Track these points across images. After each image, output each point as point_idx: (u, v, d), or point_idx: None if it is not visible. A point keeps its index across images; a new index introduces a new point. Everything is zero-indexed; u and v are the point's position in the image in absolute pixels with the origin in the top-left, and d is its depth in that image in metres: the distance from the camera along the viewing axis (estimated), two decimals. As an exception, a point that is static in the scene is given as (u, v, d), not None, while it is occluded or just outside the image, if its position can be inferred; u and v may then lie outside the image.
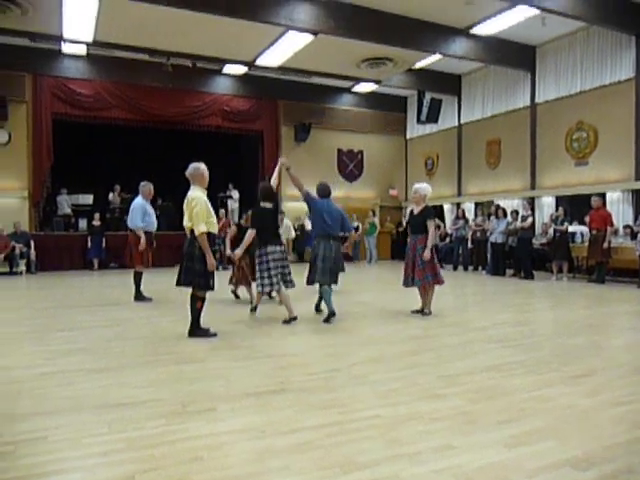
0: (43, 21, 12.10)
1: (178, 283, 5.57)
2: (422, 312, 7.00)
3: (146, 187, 8.48)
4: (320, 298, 7.10)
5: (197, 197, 5.43)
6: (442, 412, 3.33)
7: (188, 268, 5.47)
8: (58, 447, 2.82)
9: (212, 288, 5.59)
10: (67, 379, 4.05)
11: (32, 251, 13.50)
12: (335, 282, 6.77)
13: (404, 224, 18.25)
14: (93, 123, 15.56)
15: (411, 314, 7.05)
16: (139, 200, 8.41)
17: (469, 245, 14.47)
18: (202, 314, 5.65)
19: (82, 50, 14.35)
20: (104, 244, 14.30)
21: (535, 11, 11.59)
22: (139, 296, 8.34)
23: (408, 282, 7.03)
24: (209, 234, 5.45)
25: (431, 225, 6.88)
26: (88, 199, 15.83)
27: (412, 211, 7.27)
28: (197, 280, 5.48)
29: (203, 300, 5.62)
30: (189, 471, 2.55)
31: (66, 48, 14.16)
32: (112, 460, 2.67)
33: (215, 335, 5.59)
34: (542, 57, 14.59)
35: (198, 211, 5.35)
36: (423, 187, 7.13)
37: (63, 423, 3.13)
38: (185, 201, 5.55)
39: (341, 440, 2.90)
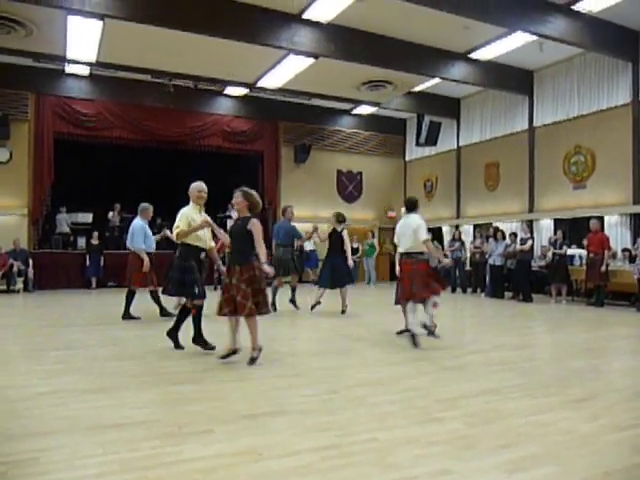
0: (47, 41, 12.25)
1: (175, 294, 6.21)
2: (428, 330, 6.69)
3: (147, 210, 8.55)
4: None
5: (182, 212, 5.78)
6: (439, 436, 3.29)
7: (174, 279, 5.82)
8: (51, 468, 2.78)
9: (203, 297, 5.81)
10: (62, 399, 4.01)
11: (30, 269, 13.48)
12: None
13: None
14: (94, 142, 15.65)
15: (401, 336, 6.92)
16: (139, 222, 8.44)
17: (467, 267, 14.47)
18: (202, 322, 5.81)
19: (85, 70, 14.51)
20: (102, 263, 14.28)
21: (533, 37, 11.76)
22: (127, 315, 8.32)
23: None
24: (190, 247, 5.75)
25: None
26: (87, 218, 15.85)
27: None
28: (187, 290, 5.79)
29: (199, 308, 5.81)
30: (184, 494, 2.51)
31: (69, 68, 14.32)
32: (106, 482, 2.63)
33: (213, 348, 5.72)
34: (540, 82, 14.76)
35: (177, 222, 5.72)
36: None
37: (57, 444, 3.09)
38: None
39: (338, 464, 2.86)
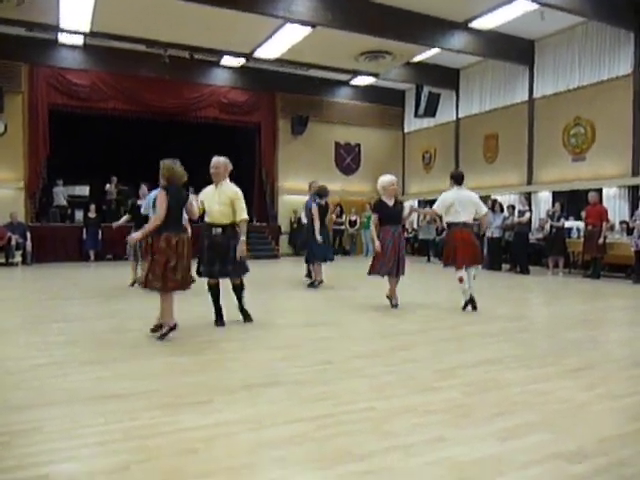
0: (40, 11, 12.00)
1: (227, 275, 5.77)
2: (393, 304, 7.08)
3: None
4: None
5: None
6: (436, 405, 3.34)
7: (228, 259, 5.64)
8: (53, 437, 2.82)
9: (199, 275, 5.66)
10: (62, 370, 4.04)
11: (28, 242, 13.44)
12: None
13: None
14: (89, 114, 15.48)
15: (398, 309, 7.00)
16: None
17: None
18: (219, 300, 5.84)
19: (79, 40, 14.27)
20: (100, 236, 14.24)
21: (534, 5, 11.56)
22: None
23: (393, 272, 7.01)
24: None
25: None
26: (84, 190, 15.78)
27: (386, 204, 7.06)
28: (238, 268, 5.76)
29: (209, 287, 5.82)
30: (184, 462, 2.55)
31: (63, 38, 14.08)
32: (107, 450, 2.67)
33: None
34: (541, 52, 14.57)
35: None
36: (384, 180, 7.13)
37: (58, 414, 3.13)
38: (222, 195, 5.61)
39: (335, 432, 2.90)
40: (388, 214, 6.98)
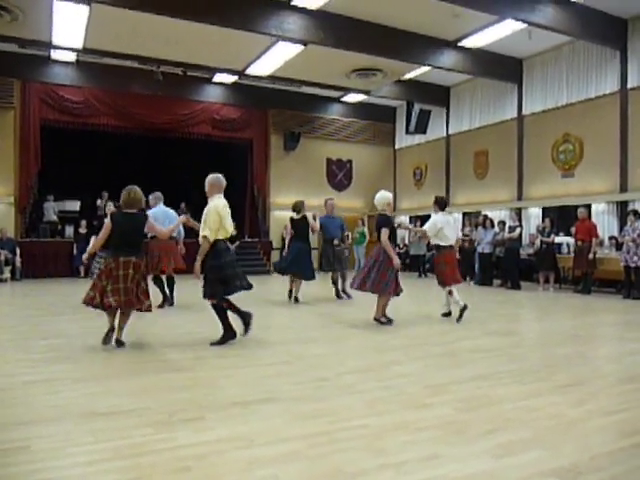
0: (33, 27, 12.03)
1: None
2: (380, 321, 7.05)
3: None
4: None
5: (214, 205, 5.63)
6: (429, 421, 3.33)
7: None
8: (42, 457, 2.78)
9: (227, 293, 5.63)
10: (51, 387, 4.00)
11: (17, 258, 13.35)
12: None
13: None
14: (81, 130, 15.48)
15: (390, 325, 6.99)
16: (163, 207, 8.37)
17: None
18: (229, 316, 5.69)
19: (72, 57, 14.30)
20: (91, 251, 14.15)
21: (522, 25, 11.75)
22: (171, 299, 8.44)
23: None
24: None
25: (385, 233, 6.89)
26: (75, 205, 15.69)
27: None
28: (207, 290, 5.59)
29: (226, 302, 5.67)
30: (175, 481, 2.52)
31: (55, 55, 14.11)
32: (98, 469, 2.63)
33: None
34: (529, 70, 14.78)
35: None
36: (378, 196, 7.21)
37: (47, 432, 3.09)
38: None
39: (329, 450, 2.89)
40: (393, 230, 7.10)
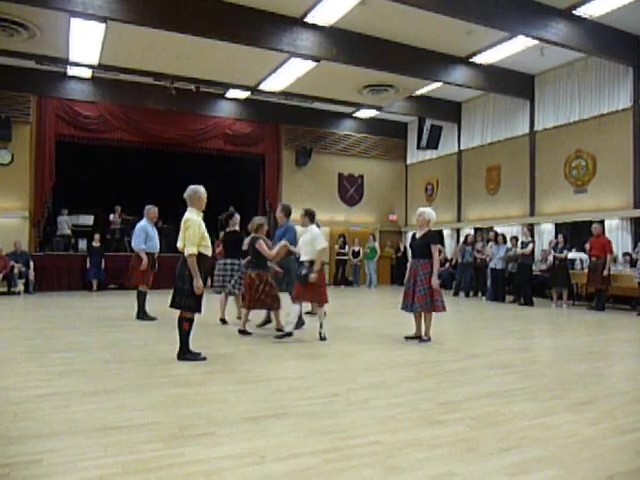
0: (50, 44, 12.28)
1: (171, 305, 5.56)
2: (419, 338, 6.93)
3: (151, 211, 8.81)
4: None
5: (191, 219, 5.46)
6: (442, 439, 3.29)
7: (179, 289, 5.47)
8: (53, 470, 2.78)
9: (199, 310, 5.54)
10: (63, 401, 4.00)
11: (31, 271, 13.47)
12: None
13: (402, 249, 18.30)
14: (96, 144, 15.66)
15: (405, 340, 6.98)
16: (143, 223, 8.69)
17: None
18: (190, 337, 5.57)
19: (87, 73, 14.54)
20: (103, 265, 14.26)
21: (534, 42, 11.78)
22: (143, 315, 8.52)
23: (407, 307, 6.98)
24: (201, 256, 5.44)
25: (435, 250, 6.86)
26: (88, 220, 15.84)
27: (414, 235, 7.32)
28: (185, 301, 5.45)
29: (191, 322, 5.56)
30: (186, 496, 2.51)
31: (72, 71, 14.34)
32: (108, 484, 2.63)
33: (204, 359, 5.51)
34: (541, 86, 14.78)
35: (191, 234, 5.38)
36: (427, 211, 7.21)
37: (59, 446, 3.09)
38: (181, 223, 5.57)
39: (341, 467, 2.86)
40: (411, 246, 7.28)
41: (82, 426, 3.44)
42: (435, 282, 6.72)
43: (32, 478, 2.68)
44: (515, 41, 11.95)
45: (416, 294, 6.81)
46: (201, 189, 5.66)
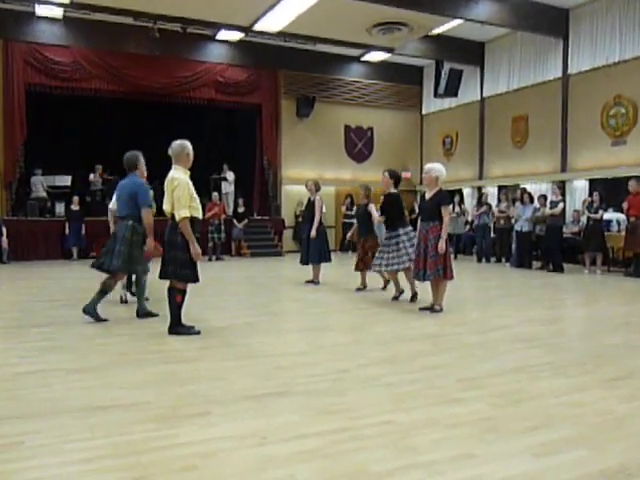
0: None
1: (162, 275, 5.56)
2: (432, 309, 6.98)
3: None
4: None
5: (179, 179, 5.43)
6: (461, 418, 3.34)
7: (171, 258, 5.47)
8: (37, 453, 2.85)
9: (197, 280, 5.59)
10: (45, 379, 4.08)
11: (4, 238, 13.50)
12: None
13: (417, 210, 18.26)
14: (71, 95, 15.50)
15: (419, 311, 7.03)
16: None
17: (491, 234, 14.45)
18: (183, 309, 5.63)
19: (58, 13, 14.29)
20: (84, 231, 14.30)
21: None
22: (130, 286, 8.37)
23: (419, 276, 6.99)
24: (193, 219, 5.45)
25: (446, 212, 6.83)
26: (66, 180, 15.81)
27: (424, 195, 7.27)
28: (180, 271, 5.47)
29: (184, 293, 5.60)
30: (182, 480, 2.58)
31: (40, 10, 14.09)
32: (96, 467, 2.69)
33: (199, 333, 5.58)
34: (576, 22, 14.47)
35: (180, 195, 5.36)
36: (436, 168, 7.05)
37: (42, 427, 3.16)
38: (165, 182, 5.54)
39: (350, 448, 2.92)
40: (420, 207, 7.30)
41: (66, 406, 3.51)
42: (442, 247, 6.71)
43: (13, 461, 2.74)
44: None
45: (428, 260, 6.83)
46: (188, 144, 5.62)
